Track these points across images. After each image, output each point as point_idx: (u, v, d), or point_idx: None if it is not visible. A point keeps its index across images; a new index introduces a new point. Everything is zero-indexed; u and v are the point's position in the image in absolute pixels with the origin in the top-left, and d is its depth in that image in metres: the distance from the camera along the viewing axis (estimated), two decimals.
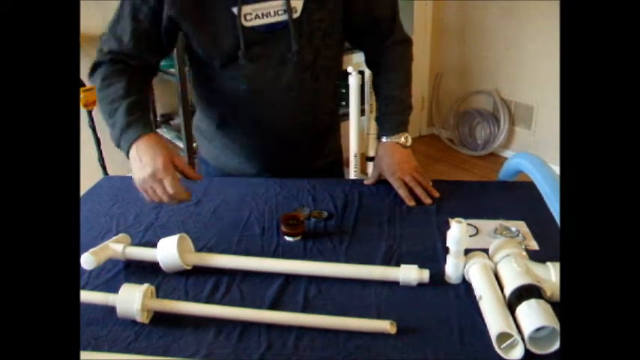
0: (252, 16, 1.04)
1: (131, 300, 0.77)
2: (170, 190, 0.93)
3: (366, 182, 1.21)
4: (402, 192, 1.13)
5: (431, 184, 1.16)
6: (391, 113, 1.20)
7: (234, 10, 1.02)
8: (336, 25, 1.12)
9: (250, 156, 1.25)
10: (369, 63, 1.28)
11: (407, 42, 1.24)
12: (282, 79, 1.11)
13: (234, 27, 1.03)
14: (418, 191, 1.12)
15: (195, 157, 2.51)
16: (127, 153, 0.97)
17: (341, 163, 1.43)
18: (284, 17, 1.05)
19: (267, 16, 1.04)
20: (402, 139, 1.18)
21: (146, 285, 0.79)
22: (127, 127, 0.97)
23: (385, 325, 0.75)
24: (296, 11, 1.05)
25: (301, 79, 1.12)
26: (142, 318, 0.77)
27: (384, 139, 1.20)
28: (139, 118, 0.99)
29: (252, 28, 1.04)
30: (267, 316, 0.78)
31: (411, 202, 1.11)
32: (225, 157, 1.27)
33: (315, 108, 1.21)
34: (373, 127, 2.73)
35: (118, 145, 0.99)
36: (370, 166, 2.80)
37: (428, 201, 1.11)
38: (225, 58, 1.08)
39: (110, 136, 1.01)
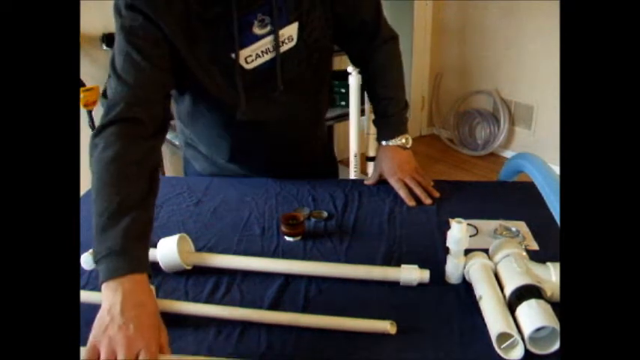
0: (253, 57, 0.99)
1: None
2: None
3: (366, 182, 1.21)
4: (403, 192, 1.13)
5: (432, 184, 1.16)
6: (389, 116, 1.19)
7: (233, 55, 0.97)
8: (328, 39, 1.09)
9: (257, 172, 1.25)
10: (356, 62, 1.26)
11: (394, 39, 1.21)
12: (286, 109, 1.09)
13: (233, 74, 0.98)
14: (418, 192, 1.12)
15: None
16: (104, 280, 0.71)
17: (333, 160, 1.42)
18: (283, 48, 1.01)
19: (266, 53, 1.00)
20: (403, 141, 1.18)
21: None
22: (120, 253, 0.72)
23: (385, 325, 0.75)
24: (292, 39, 1.01)
25: (307, 106, 1.13)
26: None
27: (384, 143, 1.19)
28: (139, 246, 0.75)
29: (254, 69, 1.01)
30: (267, 316, 0.78)
31: (412, 203, 1.11)
32: (219, 160, 1.24)
33: (319, 120, 1.22)
34: (373, 127, 2.73)
35: (96, 261, 0.73)
36: (370, 166, 2.80)
37: (428, 201, 1.11)
38: (228, 105, 1.03)
39: (93, 237, 0.75)
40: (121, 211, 0.75)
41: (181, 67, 0.95)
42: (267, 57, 1.01)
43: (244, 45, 0.98)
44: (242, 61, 0.99)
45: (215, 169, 1.26)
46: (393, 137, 1.18)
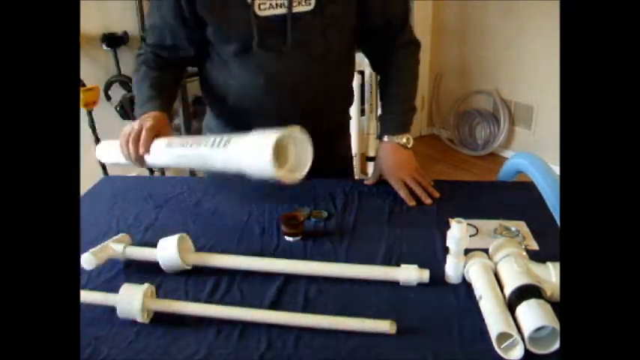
0: (267, 6, 1.05)
1: (131, 300, 0.77)
2: (140, 140, 0.99)
3: (366, 182, 1.21)
4: (403, 192, 1.13)
5: (432, 184, 1.16)
6: (394, 113, 1.20)
7: (248, 0, 1.04)
8: (349, 21, 1.13)
9: None
10: (375, 64, 1.28)
11: (416, 45, 1.24)
12: (294, 71, 1.12)
13: (248, 17, 1.05)
14: (418, 191, 1.12)
15: None
16: (140, 115, 1.07)
17: (351, 163, 1.43)
18: (298, 9, 1.06)
19: (280, 7, 1.05)
20: (404, 140, 1.18)
21: (146, 285, 0.79)
22: (144, 103, 1.09)
23: (385, 325, 0.75)
24: (310, 3, 1.06)
25: (312, 72, 1.13)
26: (143, 318, 0.77)
27: (385, 139, 1.19)
28: (156, 98, 1.10)
29: (267, 17, 1.06)
30: (267, 316, 0.78)
31: (412, 202, 1.11)
32: None
33: (326, 105, 1.21)
34: (373, 127, 2.74)
35: (139, 107, 1.11)
36: (370, 166, 2.80)
37: (428, 201, 1.11)
38: (240, 45, 1.09)
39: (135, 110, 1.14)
40: (150, 81, 1.14)
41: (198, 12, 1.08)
42: (279, 10, 1.06)
43: None
44: (255, 8, 1.05)
45: None
46: (394, 134, 1.18)
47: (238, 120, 1.21)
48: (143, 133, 0.99)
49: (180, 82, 1.25)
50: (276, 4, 1.05)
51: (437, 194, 1.13)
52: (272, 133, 0.82)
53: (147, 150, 0.99)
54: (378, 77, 1.28)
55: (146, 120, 1.02)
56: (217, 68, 1.18)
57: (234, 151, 0.85)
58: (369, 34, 1.19)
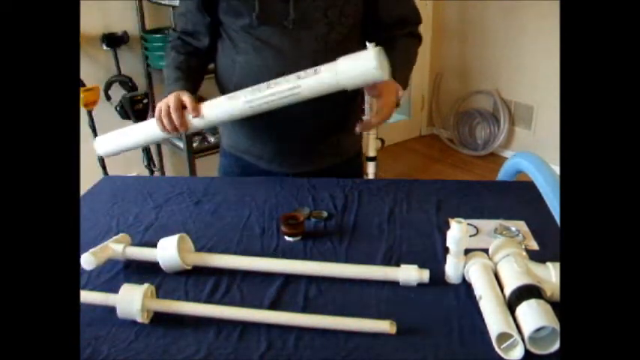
0: None
1: (131, 300, 0.77)
2: (186, 106, 1.08)
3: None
4: (370, 113, 1.15)
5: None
6: (396, 69, 1.14)
7: None
8: (352, 7, 1.15)
9: (263, 139, 1.25)
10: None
11: (419, 38, 1.29)
12: (296, 47, 1.13)
13: None
14: (373, 121, 1.15)
15: (197, 156, 2.52)
16: (167, 94, 1.13)
17: (360, 164, 1.42)
18: None
19: None
20: (400, 93, 1.17)
21: (146, 285, 0.79)
22: (172, 83, 1.17)
23: (385, 325, 0.75)
24: None
25: (314, 49, 1.14)
26: (142, 318, 0.77)
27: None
28: (182, 79, 1.18)
29: None
30: (267, 316, 0.78)
31: (359, 129, 1.15)
32: (239, 138, 1.29)
33: (333, 98, 1.20)
34: (373, 128, 2.73)
35: (166, 87, 1.19)
36: (370, 166, 2.81)
37: (358, 129, 1.15)
38: (246, 20, 1.13)
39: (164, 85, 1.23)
40: (179, 69, 1.21)
41: None
42: None
43: None
44: None
45: (233, 140, 1.32)
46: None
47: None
48: (186, 99, 1.08)
49: (205, 69, 1.30)
50: None
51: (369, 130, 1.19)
52: (364, 52, 0.98)
53: (197, 113, 1.07)
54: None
55: (179, 94, 1.09)
56: (226, 48, 1.22)
57: (342, 67, 0.99)
58: (380, 30, 1.21)
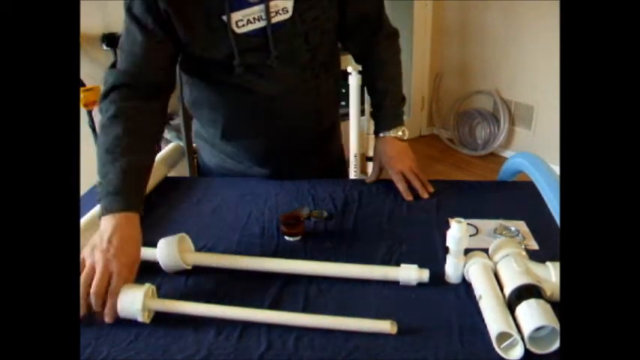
0: (244, 22, 1.01)
1: (132, 300, 0.77)
2: (111, 287, 0.78)
3: (367, 181, 1.21)
4: (401, 186, 1.14)
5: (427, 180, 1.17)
6: (387, 107, 1.21)
7: (224, 18, 0.99)
8: (331, 22, 1.11)
9: (257, 161, 1.24)
10: (358, 59, 1.28)
11: (395, 34, 1.25)
12: (281, 82, 1.10)
13: (226, 36, 1.00)
14: (417, 185, 1.14)
15: (196, 158, 2.51)
16: (102, 214, 0.86)
17: (343, 161, 1.44)
18: (276, 19, 1.03)
19: (258, 21, 1.02)
20: (400, 133, 1.19)
21: (147, 285, 0.79)
22: (115, 194, 0.86)
23: (385, 325, 0.75)
24: (287, 12, 1.03)
25: (302, 79, 1.12)
26: (143, 318, 0.77)
27: (381, 135, 1.21)
28: (130, 189, 0.88)
29: (245, 34, 1.02)
30: (267, 316, 0.78)
31: (409, 197, 1.12)
32: (231, 163, 1.27)
33: (319, 107, 1.20)
34: (373, 127, 2.74)
35: (99, 200, 0.88)
36: (370, 166, 2.81)
37: (425, 195, 1.13)
38: (222, 67, 1.05)
39: (97, 182, 0.90)
40: (122, 153, 0.90)
41: (174, 32, 1.00)
42: (258, 24, 1.02)
43: (234, 9, 1.00)
44: (233, 25, 1.01)
45: (219, 159, 1.28)
46: (390, 128, 1.19)
47: (231, 136, 1.19)
48: (113, 280, 0.78)
49: (162, 131, 1.05)
50: (254, 19, 1.01)
51: (432, 189, 1.15)
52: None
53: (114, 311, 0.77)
54: (361, 70, 1.28)
55: (120, 257, 0.80)
56: (204, 91, 1.14)
57: None
58: (347, 31, 1.18)
